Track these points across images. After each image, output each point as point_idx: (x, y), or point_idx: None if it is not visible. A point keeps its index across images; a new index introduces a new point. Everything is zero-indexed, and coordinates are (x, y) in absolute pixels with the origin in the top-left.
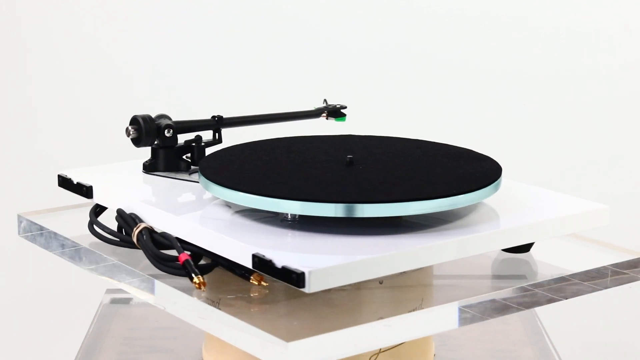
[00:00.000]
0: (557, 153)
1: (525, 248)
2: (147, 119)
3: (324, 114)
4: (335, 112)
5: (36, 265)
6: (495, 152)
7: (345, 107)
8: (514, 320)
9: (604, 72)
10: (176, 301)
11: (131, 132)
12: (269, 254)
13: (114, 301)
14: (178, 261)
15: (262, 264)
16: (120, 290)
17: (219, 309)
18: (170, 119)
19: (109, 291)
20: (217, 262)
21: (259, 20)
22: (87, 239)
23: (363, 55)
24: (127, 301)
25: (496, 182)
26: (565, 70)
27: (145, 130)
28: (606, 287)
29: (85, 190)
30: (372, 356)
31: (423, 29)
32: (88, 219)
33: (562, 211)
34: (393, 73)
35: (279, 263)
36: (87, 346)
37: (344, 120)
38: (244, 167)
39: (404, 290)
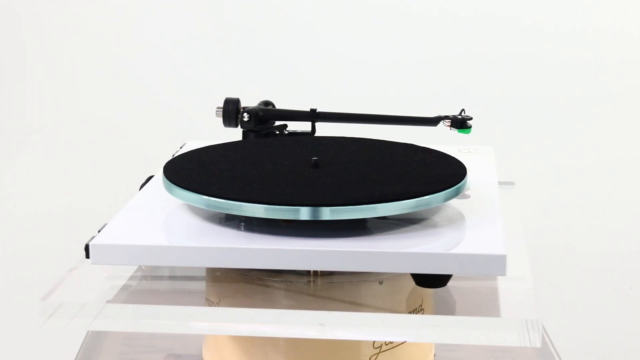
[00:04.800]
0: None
1: (441, 282)
2: (229, 101)
3: (447, 123)
4: (460, 123)
5: (36, 265)
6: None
7: (471, 119)
8: None
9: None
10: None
11: (216, 113)
12: (111, 227)
13: None
14: None
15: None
16: None
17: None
18: (272, 105)
19: None
20: None
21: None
22: None
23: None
24: None
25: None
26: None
27: (223, 111)
28: None
29: None
30: (372, 356)
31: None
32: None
33: (447, 248)
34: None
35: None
36: (87, 346)
37: (468, 132)
38: (203, 168)
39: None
